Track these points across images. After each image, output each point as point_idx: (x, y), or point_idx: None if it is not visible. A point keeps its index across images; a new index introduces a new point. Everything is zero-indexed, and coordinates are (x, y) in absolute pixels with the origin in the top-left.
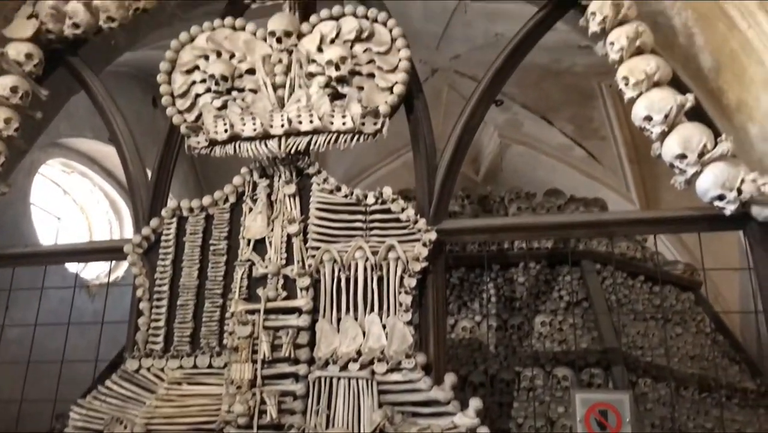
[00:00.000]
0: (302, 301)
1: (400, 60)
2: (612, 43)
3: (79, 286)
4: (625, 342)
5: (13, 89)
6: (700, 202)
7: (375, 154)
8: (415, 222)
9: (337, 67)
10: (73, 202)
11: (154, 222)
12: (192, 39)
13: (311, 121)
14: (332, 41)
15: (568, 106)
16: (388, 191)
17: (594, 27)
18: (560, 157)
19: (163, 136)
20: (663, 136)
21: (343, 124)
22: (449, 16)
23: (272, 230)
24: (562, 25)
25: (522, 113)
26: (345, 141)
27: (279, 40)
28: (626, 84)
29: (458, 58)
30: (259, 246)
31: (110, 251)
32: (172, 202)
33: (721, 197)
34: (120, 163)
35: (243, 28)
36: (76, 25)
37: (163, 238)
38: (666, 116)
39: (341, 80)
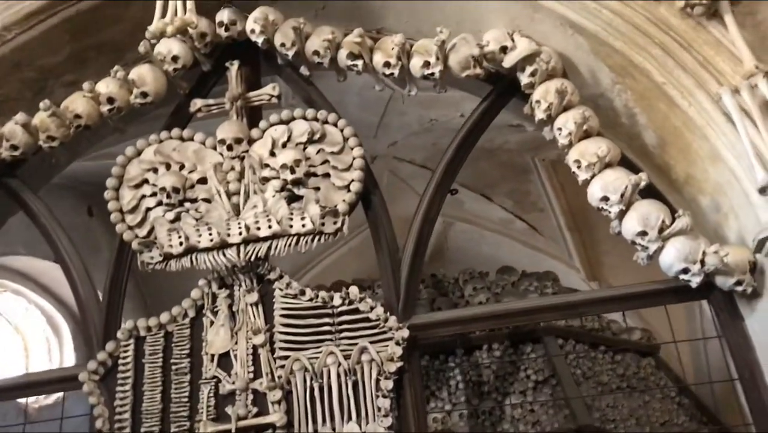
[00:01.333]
0: (275, 416)
1: (354, 158)
2: (560, 129)
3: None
4: (597, 417)
5: None
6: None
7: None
8: (386, 320)
9: (292, 170)
10: (7, 322)
11: (110, 346)
12: (139, 153)
13: (270, 226)
14: (284, 145)
15: (505, 182)
16: (354, 291)
17: (540, 114)
18: (502, 232)
19: (113, 254)
20: (621, 214)
21: (303, 226)
22: (385, 105)
23: (236, 342)
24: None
25: (462, 192)
26: (306, 243)
27: (230, 148)
28: (578, 167)
29: (395, 144)
30: (224, 361)
31: (63, 381)
32: (128, 323)
33: (685, 271)
34: (58, 279)
35: (191, 138)
36: (14, 147)
37: (120, 362)
38: (622, 195)
39: (297, 183)
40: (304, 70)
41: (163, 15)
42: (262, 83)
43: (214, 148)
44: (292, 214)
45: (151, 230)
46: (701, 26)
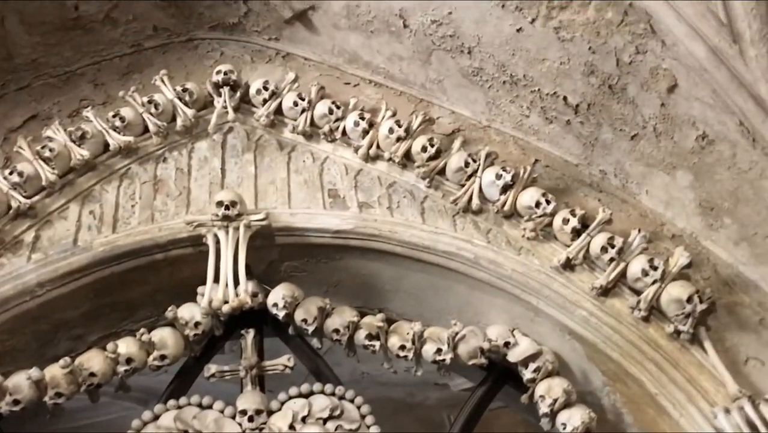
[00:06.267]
0: None
1: None
2: (564, 424)
3: None
4: None
5: None
6: None
7: None
8: None
9: None
10: None
11: None
12: (156, 417)
13: None
14: (304, 419)
15: None
16: None
17: (544, 408)
18: None
19: None
20: None
21: None
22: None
23: None
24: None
25: None
26: None
27: (251, 419)
28: None
29: None
30: None
31: None
32: None
33: None
34: None
35: (210, 406)
36: (16, 402)
37: None
38: None
39: None
40: (315, 343)
41: (215, 279)
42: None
43: (233, 418)
44: None
45: None
46: (686, 349)
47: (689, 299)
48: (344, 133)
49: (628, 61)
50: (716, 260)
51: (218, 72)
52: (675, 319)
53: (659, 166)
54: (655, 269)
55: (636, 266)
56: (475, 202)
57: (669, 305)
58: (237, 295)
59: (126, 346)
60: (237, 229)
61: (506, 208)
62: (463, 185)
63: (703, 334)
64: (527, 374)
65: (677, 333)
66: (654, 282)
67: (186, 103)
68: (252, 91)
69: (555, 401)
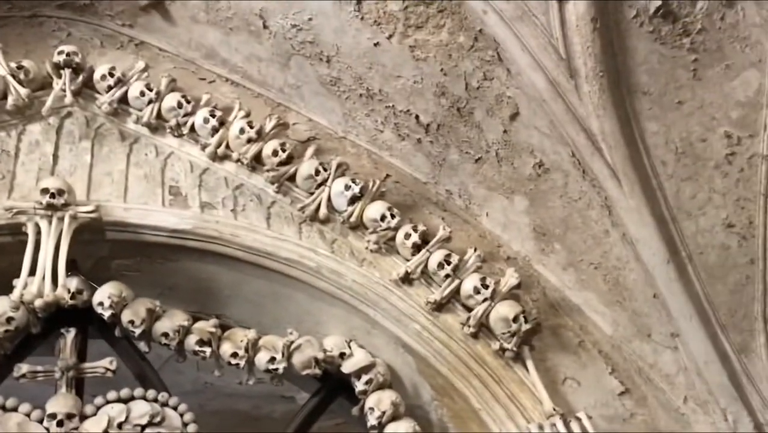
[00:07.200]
0: None
1: None
2: None
3: None
4: None
5: None
6: None
7: None
8: None
9: None
10: None
11: None
12: None
13: None
14: (120, 425)
15: None
16: None
17: (372, 421)
18: None
19: None
20: None
21: None
22: (162, 362)
23: None
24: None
25: None
26: None
27: (60, 423)
28: None
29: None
30: None
31: None
32: None
33: None
34: None
35: (15, 409)
36: None
37: None
38: None
39: None
40: (143, 346)
41: (31, 271)
42: (88, 351)
43: (40, 422)
44: None
45: None
46: (509, 366)
47: (515, 319)
48: (193, 129)
49: (476, 86)
50: (546, 283)
51: (60, 52)
52: (501, 337)
53: (499, 190)
54: (487, 287)
55: (469, 283)
56: (323, 212)
57: (496, 323)
58: (54, 290)
59: None
60: (62, 219)
61: (353, 219)
62: (312, 193)
63: (527, 353)
64: (359, 386)
65: (502, 351)
66: (484, 300)
67: (20, 82)
68: (96, 76)
69: (383, 413)
